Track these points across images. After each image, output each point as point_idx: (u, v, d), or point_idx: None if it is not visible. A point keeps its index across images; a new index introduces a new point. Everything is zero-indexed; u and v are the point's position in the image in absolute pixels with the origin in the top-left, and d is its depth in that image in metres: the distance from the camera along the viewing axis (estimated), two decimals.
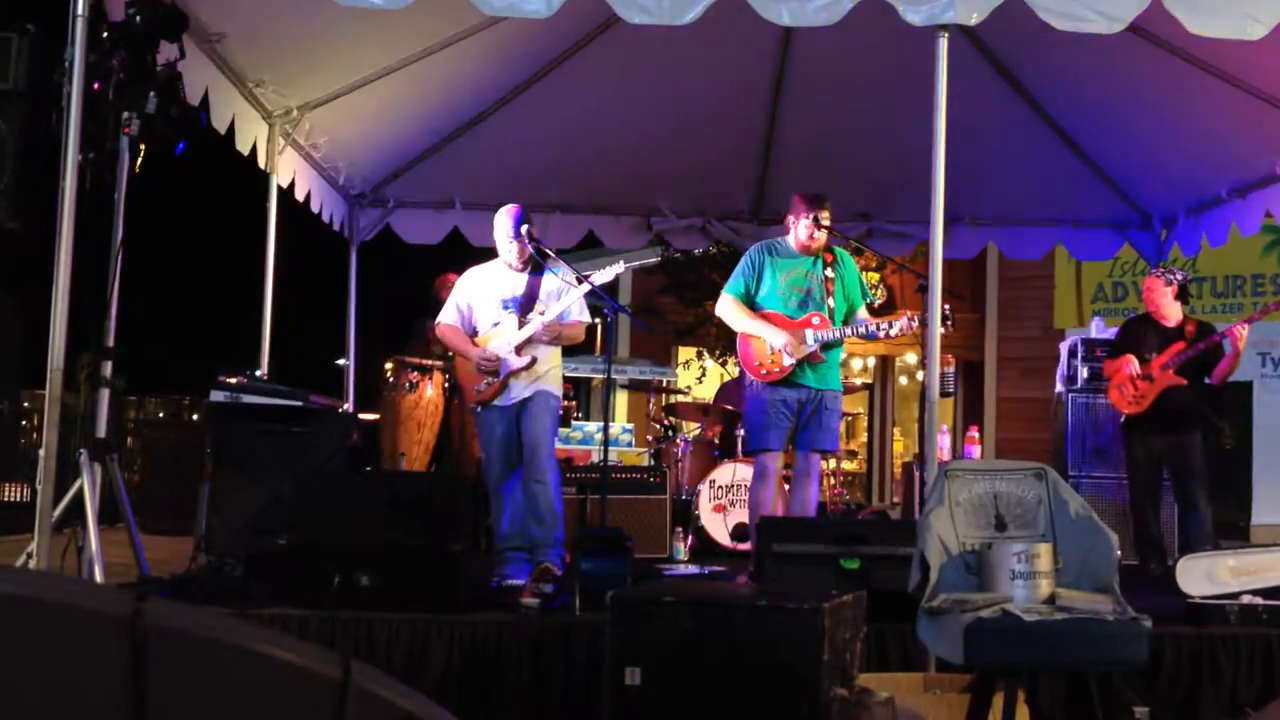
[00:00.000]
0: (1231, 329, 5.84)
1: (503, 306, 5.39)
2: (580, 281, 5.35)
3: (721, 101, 6.99)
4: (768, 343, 5.33)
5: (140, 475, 9.39)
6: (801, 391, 5.33)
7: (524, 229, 5.38)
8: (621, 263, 5.62)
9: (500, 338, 5.33)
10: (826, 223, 5.36)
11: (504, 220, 5.43)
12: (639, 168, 7.63)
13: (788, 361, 5.29)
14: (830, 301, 5.36)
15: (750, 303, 5.46)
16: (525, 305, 5.37)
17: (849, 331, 5.34)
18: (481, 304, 5.45)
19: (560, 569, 5.07)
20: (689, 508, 7.20)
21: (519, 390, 5.30)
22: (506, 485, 5.30)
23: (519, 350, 5.29)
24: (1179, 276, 6.23)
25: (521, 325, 5.31)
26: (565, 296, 5.36)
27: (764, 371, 5.35)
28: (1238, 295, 11.16)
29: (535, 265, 5.46)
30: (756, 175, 7.94)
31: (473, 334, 5.45)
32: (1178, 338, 6.05)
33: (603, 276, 5.37)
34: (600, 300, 5.51)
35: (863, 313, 5.45)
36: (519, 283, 5.43)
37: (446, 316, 5.52)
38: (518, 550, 5.19)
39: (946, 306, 4.67)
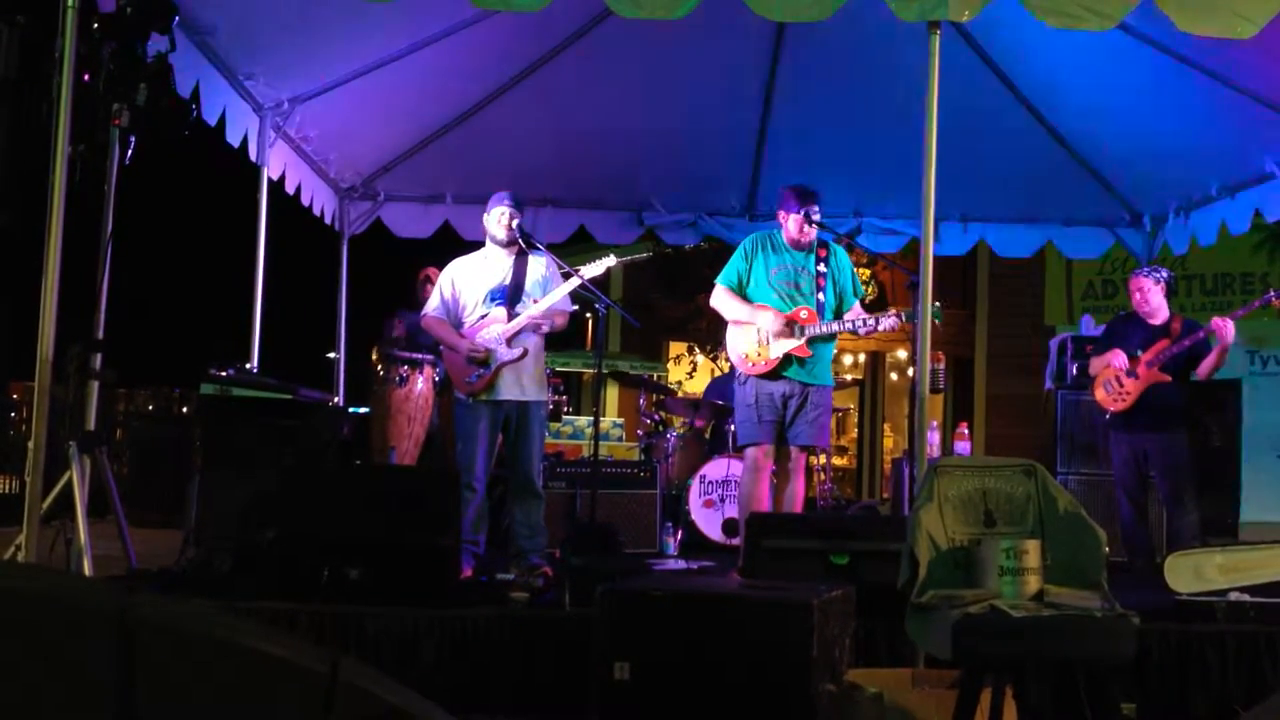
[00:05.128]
0: (1215, 322, 5.83)
1: (490, 298, 5.35)
2: (568, 276, 5.34)
3: (714, 97, 6.98)
4: (756, 332, 5.35)
5: (129, 468, 9.36)
6: (788, 386, 5.33)
7: (515, 222, 5.37)
8: (613, 257, 5.61)
9: (490, 329, 5.31)
10: (817, 218, 5.37)
11: (497, 199, 5.44)
12: (631, 162, 7.63)
13: (774, 353, 5.29)
14: (820, 296, 5.36)
15: (742, 294, 5.47)
16: (513, 295, 5.35)
17: (837, 327, 5.34)
18: (468, 295, 5.41)
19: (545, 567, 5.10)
20: (679, 503, 7.20)
21: (508, 389, 5.28)
22: (479, 481, 5.26)
23: (509, 341, 5.28)
24: (1165, 275, 6.24)
25: (511, 316, 5.30)
26: (555, 288, 5.34)
27: (750, 364, 5.36)
28: (1227, 294, 11.18)
29: (520, 251, 5.44)
30: (749, 171, 7.93)
31: (458, 325, 5.42)
32: (1163, 335, 6.05)
33: (592, 270, 5.36)
34: (591, 295, 5.49)
35: (854, 309, 5.46)
36: (505, 272, 5.39)
37: (432, 308, 5.49)
38: (469, 544, 5.16)
39: (937, 303, 4.69)
